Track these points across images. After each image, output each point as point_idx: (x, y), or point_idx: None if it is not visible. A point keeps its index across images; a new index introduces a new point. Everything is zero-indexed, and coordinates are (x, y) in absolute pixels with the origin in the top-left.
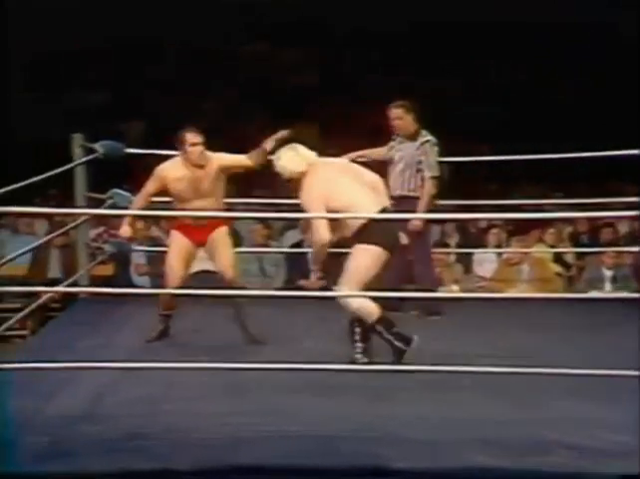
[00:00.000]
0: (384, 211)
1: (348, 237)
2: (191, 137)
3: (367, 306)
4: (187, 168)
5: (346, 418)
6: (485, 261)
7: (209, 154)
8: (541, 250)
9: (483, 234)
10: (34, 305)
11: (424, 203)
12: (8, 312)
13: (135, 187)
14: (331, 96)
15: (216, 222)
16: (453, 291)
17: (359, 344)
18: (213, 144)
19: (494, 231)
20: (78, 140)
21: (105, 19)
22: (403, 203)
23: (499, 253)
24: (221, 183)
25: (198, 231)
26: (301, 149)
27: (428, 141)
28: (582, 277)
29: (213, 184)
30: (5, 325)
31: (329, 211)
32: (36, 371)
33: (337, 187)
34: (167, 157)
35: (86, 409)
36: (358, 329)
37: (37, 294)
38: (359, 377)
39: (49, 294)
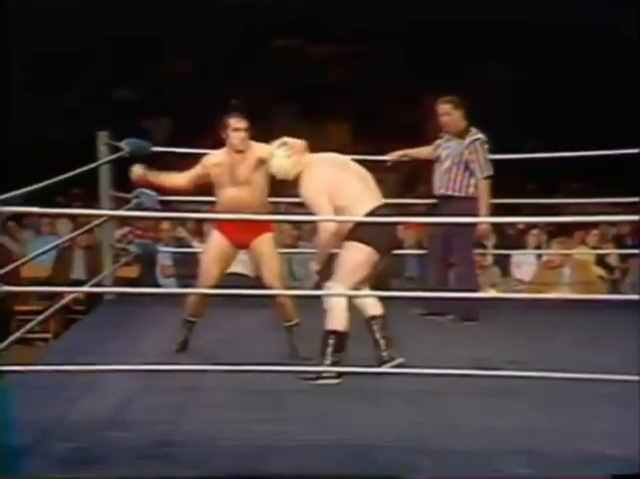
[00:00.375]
0: (379, 208)
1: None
2: (235, 122)
3: (338, 313)
4: (228, 154)
5: (381, 426)
6: (524, 264)
7: (252, 142)
8: (582, 252)
9: (522, 235)
10: (56, 307)
11: (484, 206)
12: (30, 315)
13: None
14: (363, 92)
15: (260, 224)
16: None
17: (383, 347)
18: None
19: (534, 232)
20: (103, 137)
21: (127, 16)
22: (446, 203)
23: (539, 256)
24: (261, 174)
25: (240, 231)
26: (292, 142)
27: (478, 139)
28: (626, 281)
29: (251, 172)
30: (26, 327)
31: (333, 208)
32: (59, 376)
33: (339, 183)
34: (195, 155)
35: (112, 415)
36: (377, 329)
37: (60, 296)
38: (392, 383)
39: (72, 296)
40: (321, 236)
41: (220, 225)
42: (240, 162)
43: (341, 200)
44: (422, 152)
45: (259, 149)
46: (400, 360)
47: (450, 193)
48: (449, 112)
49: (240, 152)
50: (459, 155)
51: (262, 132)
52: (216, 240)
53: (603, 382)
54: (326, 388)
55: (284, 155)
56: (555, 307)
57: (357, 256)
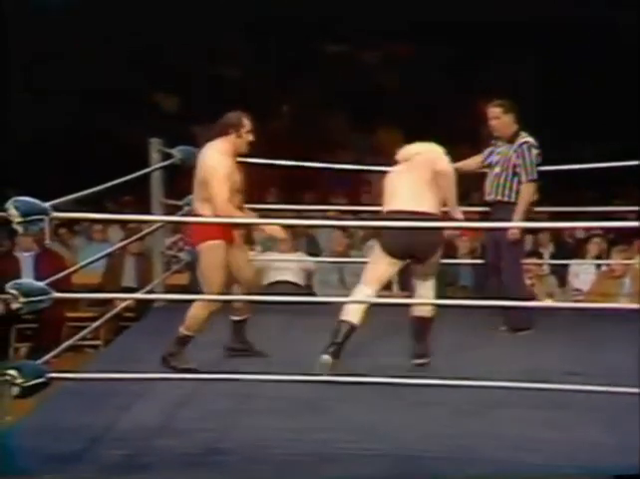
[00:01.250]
0: (396, 213)
1: None
2: (249, 122)
3: (353, 307)
4: (231, 157)
5: (428, 435)
6: (582, 273)
7: None
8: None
9: (582, 244)
10: (108, 315)
11: (520, 209)
12: (81, 321)
13: None
14: (413, 98)
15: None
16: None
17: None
18: (293, 145)
19: (596, 240)
20: (155, 145)
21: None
22: (497, 208)
23: (598, 265)
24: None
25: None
26: None
27: (525, 142)
28: None
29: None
30: (78, 336)
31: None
32: (109, 383)
33: (391, 176)
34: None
35: (161, 422)
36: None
37: (111, 303)
38: (437, 392)
39: (123, 303)
40: None
41: (221, 233)
42: (238, 166)
43: (385, 193)
44: (469, 164)
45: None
46: (423, 361)
47: (499, 198)
48: (498, 115)
49: (244, 155)
50: (507, 159)
51: (313, 138)
52: (223, 253)
53: None
54: (371, 397)
55: None
56: (613, 318)
57: (374, 258)
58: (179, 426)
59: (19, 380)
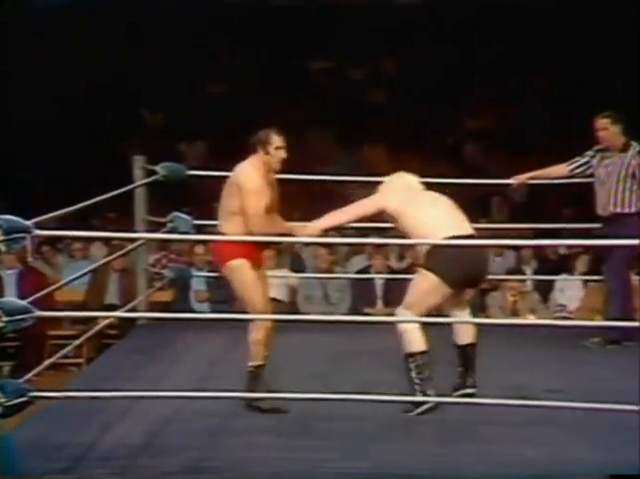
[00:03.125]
0: (460, 238)
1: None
2: (279, 139)
3: (412, 334)
4: (264, 175)
5: (418, 457)
6: (567, 289)
7: None
8: None
9: (565, 260)
10: (90, 333)
11: None
12: (64, 339)
13: (195, 209)
14: (400, 114)
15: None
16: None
17: (417, 381)
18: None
19: (583, 257)
20: (139, 162)
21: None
22: (616, 220)
23: (585, 281)
24: None
25: (260, 251)
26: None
27: None
28: None
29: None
30: (61, 353)
31: (401, 225)
32: (92, 401)
33: (416, 199)
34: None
35: (146, 440)
36: (413, 365)
37: (94, 321)
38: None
39: (106, 321)
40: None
41: (248, 252)
42: (273, 183)
43: (411, 218)
44: (553, 171)
45: None
46: (470, 391)
47: (619, 210)
48: (606, 127)
49: (276, 172)
50: (624, 169)
51: (297, 155)
52: (252, 270)
53: None
54: (362, 415)
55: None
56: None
57: (425, 286)
58: (164, 444)
59: (1, 399)
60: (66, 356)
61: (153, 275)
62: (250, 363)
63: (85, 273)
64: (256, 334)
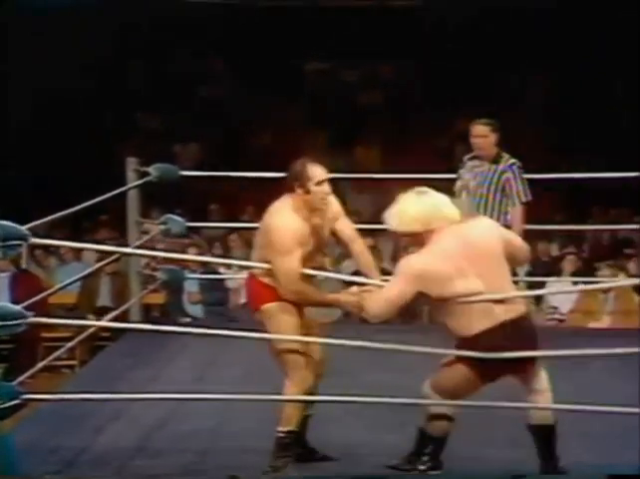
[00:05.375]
0: (502, 328)
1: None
2: (319, 173)
3: (438, 418)
4: (304, 214)
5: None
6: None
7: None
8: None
9: (557, 262)
10: (82, 336)
11: (517, 234)
12: (57, 341)
13: (188, 211)
14: (394, 116)
15: None
16: None
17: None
18: (274, 164)
19: (570, 258)
20: (132, 163)
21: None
22: None
23: (575, 283)
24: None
25: None
26: (432, 198)
27: (514, 163)
28: None
29: (328, 229)
30: (54, 356)
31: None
32: (86, 404)
33: (456, 274)
34: (222, 179)
35: (138, 443)
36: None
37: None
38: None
39: (99, 324)
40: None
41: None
42: (321, 221)
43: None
44: None
45: (333, 202)
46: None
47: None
48: (486, 134)
49: (321, 211)
50: (495, 181)
51: (293, 156)
52: (293, 316)
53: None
54: (354, 416)
55: (403, 207)
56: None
57: (458, 374)
58: (156, 447)
59: None
60: (59, 359)
61: (146, 278)
62: (280, 428)
63: (79, 279)
64: (290, 391)
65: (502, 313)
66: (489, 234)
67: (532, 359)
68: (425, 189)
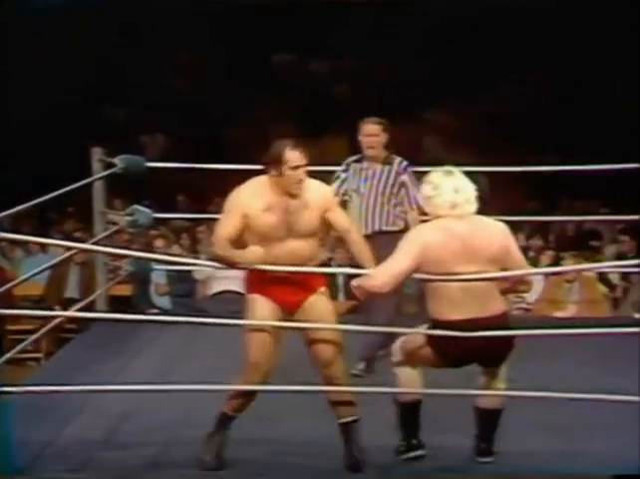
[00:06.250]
0: (474, 321)
1: None
2: (295, 157)
3: (407, 381)
4: (279, 196)
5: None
6: None
7: (314, 182)
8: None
9: (526, 252)
10: (48, 327)
11: None
12: (23, 334)
13: (155, 202)
14: (363, 108)
15: (315, 277)
16: None
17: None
18: (243, 156)
19: (549, 252)
20: (97, 154)
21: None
22: (382, 239)
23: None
24: (326, 222)
25: (291, 291)
26: (460, 181)
27: (408, 165)
28: (628, 300)
29: (318, 220)
30: (18, 348)
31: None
32: (51, 396)
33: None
34: (190, 170)
35: (104, 436)
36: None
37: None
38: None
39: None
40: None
41: (263, 286)
42: (303, 207)
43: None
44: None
45: (325, 191)
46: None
47: (384, 227)
48: (378, 134)
49: (294, 197)
50: (390, 184)
51: (261, 149)
52: (263, 308)
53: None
54: (320, 408)
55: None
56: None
57: (423, 348)
58: (123, 439)
59: None
60: (25, 351)
61: (113, 269)
62: (223, 408)
63: (45, 269)
64: (241, 382)
65: (476, 310)
66: (492, 236)
67: (497, 361)
68: (451, 169)
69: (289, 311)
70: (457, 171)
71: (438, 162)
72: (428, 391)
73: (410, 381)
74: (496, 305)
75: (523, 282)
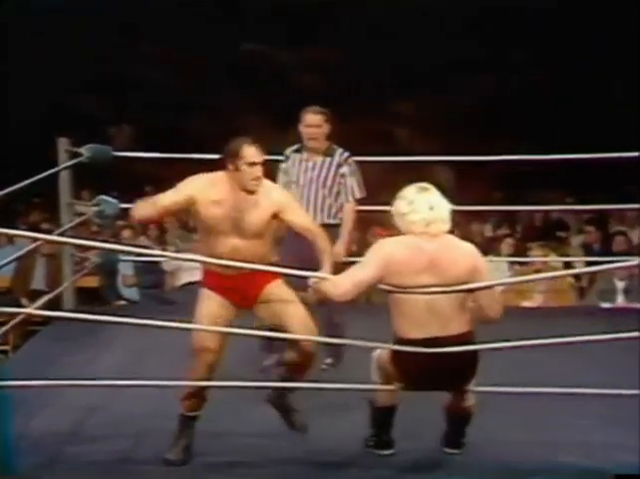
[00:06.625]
0: (434, 340)
1: None
2: (252, 153)
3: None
4: (233, 191)
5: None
6: (496, 271)
7: (267, 183)
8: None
9: (491, 242)
10: (15, 321)
11: (347, 233)
12: None
13: (123, 193)
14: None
15: (265, 274)
16: None
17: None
18: (211, 146)
19: (508, 240)
20: (63, 144)
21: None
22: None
23: (511, 263)
24: (273, 224)
25: (242, 289)
26: (435, 198)
27: (350, 156)
28: (593, 289)
29: (265, 222)
30: None
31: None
32: (19, 390)
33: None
34: (159, 160)
35: (73, 429)
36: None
37: (20, 306)
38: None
39: (32, 308)
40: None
41: (213, 281)
42: (252, 206)
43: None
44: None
45: (276, 194)
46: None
47: (326, 220)
48: (319, 124)
49: (251, 193)
50: (331, 176)
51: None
52: (211, 304)
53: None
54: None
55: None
56: (528, 315)
57: (386, 360)
58: (90, 433)
59: None
60: None
61: (80, 260)
62: (181, 409)
63: (13, 260)
64: (189, 375)
65: (437, 329)
66: (460, 257)
67: (461, 383)
68: (426, 185)
69: (243, 307)
70: (431, 187)
71: (408, 152)
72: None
73: (385, 386)
74: (460, 325)
75: (486, 318)
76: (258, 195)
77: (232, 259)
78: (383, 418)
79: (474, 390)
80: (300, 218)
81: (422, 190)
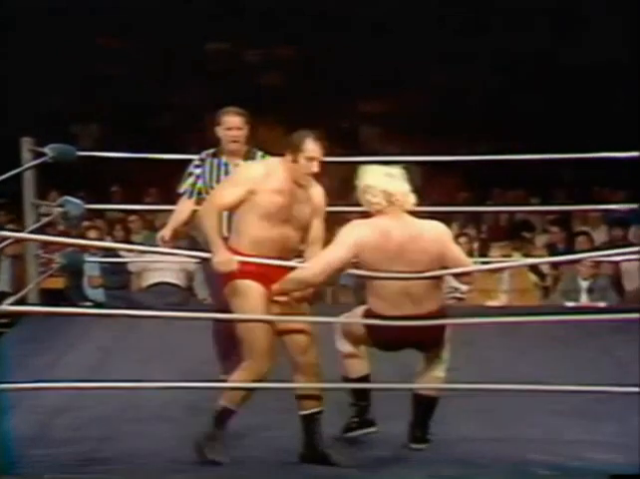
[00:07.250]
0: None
1: None
2: (313, 148)
3: (349, 357)
4: (289, 183)
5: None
6: None
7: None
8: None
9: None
10: None
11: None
12: None
13: (89, 193)
14: (298, 97)
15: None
16: None
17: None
18: (179, 143)
19: (463, 240)
20: (27, 143)
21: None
22: None
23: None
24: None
25: (278, 275)
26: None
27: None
28: (557, 288)
29: (309, 216)
30: None
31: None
32: None
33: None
34: (126, 160)
35: (38, 432)
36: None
37: None
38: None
39: None
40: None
41: (260, 272)
42: (305, 199)
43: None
44: (183, 211)
45: (319, 195)
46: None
47: None
48: (241, 126)
49: (302, 187)
50: None
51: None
52: (260, 298)
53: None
54: (261, 401)
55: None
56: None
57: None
58: (57, 435)
59: None
60: None
61: (45, 261)
62: (223, 402)
63: None
64: (242, 376)
65: (411, 308)
66: (429, 243)
67: (431, 345)
68: (395, 171)
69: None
70: (393, 168)
71: (374, 153)
72: (371, 386)
73: (353, 356)
74: (432, 303)
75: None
76: (311, 190)
77: (282, 248)
78: (360, 389)
79: (441, 386)
80: (319, 229)
81: (383, 169)
